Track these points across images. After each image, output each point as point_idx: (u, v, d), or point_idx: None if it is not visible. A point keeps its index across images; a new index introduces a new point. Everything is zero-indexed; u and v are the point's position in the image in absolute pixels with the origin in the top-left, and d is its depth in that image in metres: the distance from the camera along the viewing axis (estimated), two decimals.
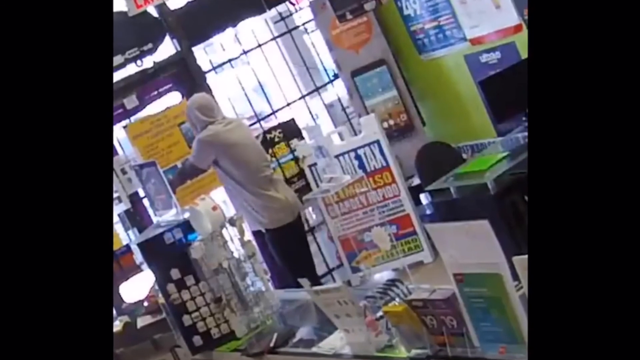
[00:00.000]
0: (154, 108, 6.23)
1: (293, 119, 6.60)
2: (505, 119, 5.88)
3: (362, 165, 6.15)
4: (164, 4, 6.02)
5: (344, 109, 7.24)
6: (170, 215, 3.78)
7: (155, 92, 6.27)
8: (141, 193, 5.78)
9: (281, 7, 6.90)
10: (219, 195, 5.59)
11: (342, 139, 6.24)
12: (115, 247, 5.60)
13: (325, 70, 7.41)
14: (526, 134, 5.44)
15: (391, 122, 6.92)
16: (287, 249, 5.34)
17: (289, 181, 6.13)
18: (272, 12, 6.88)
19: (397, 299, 2.80)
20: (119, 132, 6.07)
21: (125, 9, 5.26)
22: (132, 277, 5.07)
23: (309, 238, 6.33)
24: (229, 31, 6.74)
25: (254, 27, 6.94)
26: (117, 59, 5.89)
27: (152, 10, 6.16)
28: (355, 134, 6.51)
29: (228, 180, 5.27)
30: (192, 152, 5.32)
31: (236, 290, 3.46)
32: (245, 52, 6.86)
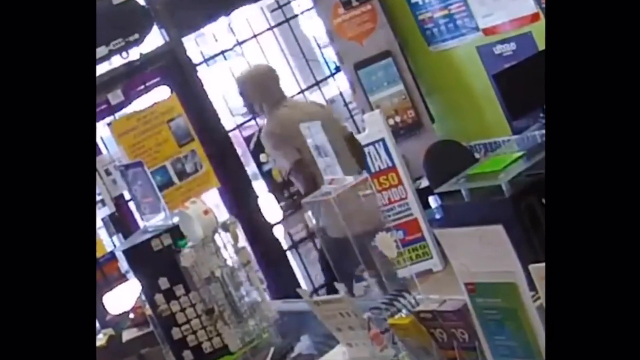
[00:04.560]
0: (140, 103, 6.24)
1: None
2: (521, 116, 5.89)
3: (366, 166, 6.16)
4: None
5: (346, 105, 7.25)
6: (158, 220, 3.78)
7: (142, 86, 6.27)
8: (127, 196, 5.79)
9: None
10: (211, 198, 5.60)
11: None
12: (99, 254, 5.62)
13: (327, 62, 7.41)
14: (543, 131, 5.45)
15: (397, 118, 6.93)
16: None
17: (287, 182, 6.13)
18: (269, 0, 6.89)
19: (404, 311, 2.80)
20: (102, 129, 6.08)
21: None
22: (117, 287, 5.09)
23: (309, 244, 6.34)
24: (222, 20, 6.75)
25: (249, 16, 6.95)
26: (101, 51, 5.89)
27: None
28: (359, 132, 6.52)
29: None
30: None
31: (230, 301, 3.45)
32: (239, 43, 6.86)
